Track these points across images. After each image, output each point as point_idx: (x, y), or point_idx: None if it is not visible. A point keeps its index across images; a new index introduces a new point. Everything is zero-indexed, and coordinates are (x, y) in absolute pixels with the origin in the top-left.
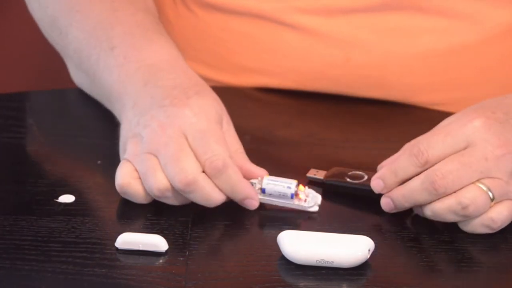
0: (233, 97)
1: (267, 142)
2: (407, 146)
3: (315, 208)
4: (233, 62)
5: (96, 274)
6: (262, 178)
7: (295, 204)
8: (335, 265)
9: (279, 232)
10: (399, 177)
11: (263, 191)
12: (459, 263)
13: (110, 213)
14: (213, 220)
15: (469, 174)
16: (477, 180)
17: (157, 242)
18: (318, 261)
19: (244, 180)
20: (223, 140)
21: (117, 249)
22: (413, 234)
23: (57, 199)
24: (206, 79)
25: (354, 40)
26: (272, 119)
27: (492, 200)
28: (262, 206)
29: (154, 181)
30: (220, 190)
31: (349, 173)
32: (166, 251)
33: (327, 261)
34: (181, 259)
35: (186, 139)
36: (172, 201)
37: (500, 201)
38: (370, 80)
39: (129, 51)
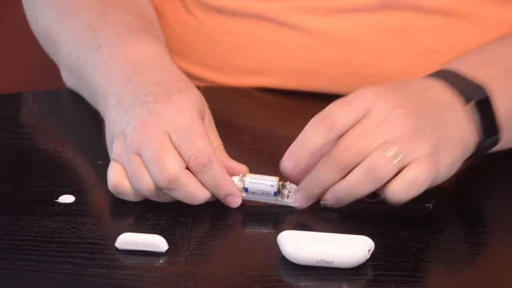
0: (233, 97)
1: (267, 142)
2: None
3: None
4: (233, 63)
5: (96, 274)
6: (243, 176)
7: (279, 200)
8: (335, 265)
9: (279, 232)
10: (308, 149)
11: (246, 190)
12: (459, 263)
13: (110, 213)
14: (213, 220)
15: (368, 142)
16: (378, 147)
17: (157, 242)
18: (318, 261)
19: (228, 176)
20: (206, 136)
21: (117, 249)
22: (413, 234)
23: (57, 199)
24: (207, 81)
25: (353, 40)
26: (272, 119)
27: (399, 160)
28: (258, 206)
29: (141, 183)
30: (204, 186)
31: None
32: (166, 251)
33: (327, 261)
34: (181, 259)
35: (169, 136)
36: (163, 199)
37: (410, 161)
38: (370, 80)
39: (114, 49)
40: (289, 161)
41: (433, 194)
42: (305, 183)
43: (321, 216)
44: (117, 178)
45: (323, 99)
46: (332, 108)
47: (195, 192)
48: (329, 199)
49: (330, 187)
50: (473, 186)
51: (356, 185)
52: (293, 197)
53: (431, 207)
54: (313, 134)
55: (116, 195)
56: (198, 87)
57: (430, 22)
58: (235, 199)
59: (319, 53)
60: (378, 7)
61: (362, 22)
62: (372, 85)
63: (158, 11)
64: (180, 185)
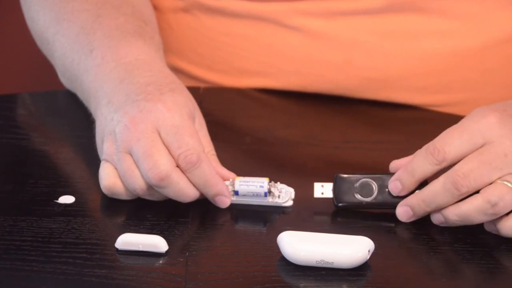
0: (233, 98)
1: (267, 143)
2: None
3: (290, 203)
4: (235, 65)
5: (96, 275)
6: (233, 180)
7: (269, 201)
8: (335, 265)
9: (278, 233)
10: (417, 177)
11: (236, 193)
12: (459, 264)
13: (110, 213)
14: (213, 221)
15: (490, 171)
16: (499, 178)
17: (157, 243)
18: (318, 262)
19: (217, 176)
20: (196, 135)
21: (117, 249)
22: (413, 234)
23: (57, 200)
24: (207, 82)
25: (355, 43)
26: (272, 119)
27: None
28: (257, 207)
29: (134, 182)
30: (193, 185)
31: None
32: (166, 251)
33: (327, 262)
34: (181, 259)
35: (159, 134)
36: (155, 197)
37: None
38: (372, 82)
39: (107, 52)
40: (396, 185)
41: None
42: (413, 201)
43: (320, 216)
44: (110, 180)
45: (324, 99)
46: (444, 138)
47: (185, 190)
48: (437, 220)
49: (441, 208)
50: None
51: (471, 215)
52: (397, 210)
53: None
54: (422, 163)
55: (109, 196)
56: (198, 88)
57: (433, 25)
58: (224, 199)
59: (321, 55)
60: (380, 10)
61: (364, 25)
62: (485, 110)
63: (159, 12)
64: (171, 183)
